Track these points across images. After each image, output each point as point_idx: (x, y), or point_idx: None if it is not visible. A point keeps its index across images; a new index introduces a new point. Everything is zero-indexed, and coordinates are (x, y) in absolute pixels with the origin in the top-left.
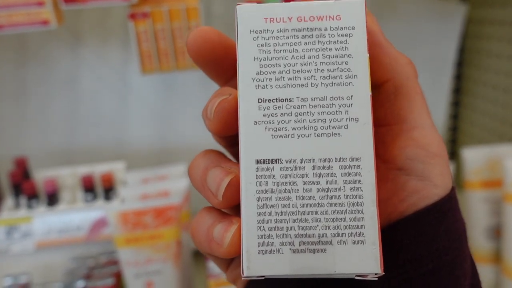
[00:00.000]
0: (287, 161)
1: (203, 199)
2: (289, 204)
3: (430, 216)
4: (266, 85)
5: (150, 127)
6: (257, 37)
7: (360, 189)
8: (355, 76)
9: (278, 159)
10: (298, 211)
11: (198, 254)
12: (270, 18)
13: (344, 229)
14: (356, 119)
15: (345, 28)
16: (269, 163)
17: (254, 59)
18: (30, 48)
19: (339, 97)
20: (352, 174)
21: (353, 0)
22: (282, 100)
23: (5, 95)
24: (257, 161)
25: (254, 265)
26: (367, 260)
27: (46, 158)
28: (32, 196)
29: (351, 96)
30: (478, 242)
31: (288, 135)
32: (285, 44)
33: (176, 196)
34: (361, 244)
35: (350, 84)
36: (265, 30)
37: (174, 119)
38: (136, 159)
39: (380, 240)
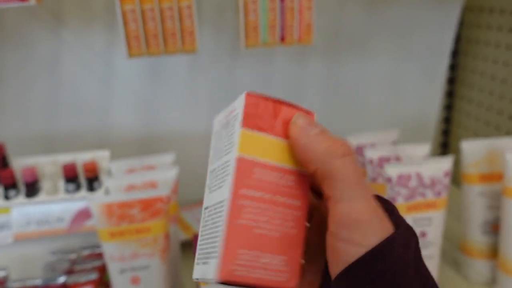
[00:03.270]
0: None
1: (191, 190)
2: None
3: (356, 269)
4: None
5: (136, 113)
6: None
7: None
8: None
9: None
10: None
11: (186, 247)
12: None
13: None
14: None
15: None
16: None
17: None
18: (7, 29)
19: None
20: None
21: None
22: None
23: None
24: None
25: (195, 271)
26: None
27: (25, 145)
28: (10, 185)
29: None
30: (474, 237)
31: None
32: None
33: (164, 187)
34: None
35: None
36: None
37: (161, 105)
38: (121, 147)
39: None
